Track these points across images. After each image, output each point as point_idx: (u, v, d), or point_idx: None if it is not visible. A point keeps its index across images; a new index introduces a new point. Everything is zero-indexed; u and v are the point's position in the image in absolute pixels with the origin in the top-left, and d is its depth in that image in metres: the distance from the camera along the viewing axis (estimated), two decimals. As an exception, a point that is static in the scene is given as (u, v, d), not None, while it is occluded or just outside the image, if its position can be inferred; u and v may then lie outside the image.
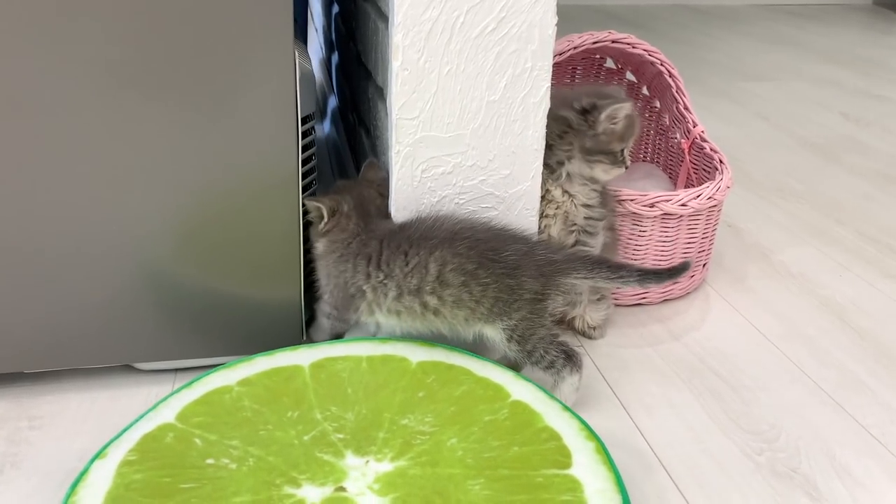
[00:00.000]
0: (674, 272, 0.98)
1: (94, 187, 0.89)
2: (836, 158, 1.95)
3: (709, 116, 2.25)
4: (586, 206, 1.07)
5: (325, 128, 2.04)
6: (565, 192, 1.07)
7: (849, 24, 3.87)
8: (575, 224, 1.08)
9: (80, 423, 0.93)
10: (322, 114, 2.17)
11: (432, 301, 0.92)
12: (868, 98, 2.52)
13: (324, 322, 1.02)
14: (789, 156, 1.96)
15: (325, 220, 0.98)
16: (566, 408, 0.86)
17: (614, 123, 1.05)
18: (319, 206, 0.97)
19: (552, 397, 0.87)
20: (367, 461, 0.77)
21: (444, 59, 0.91)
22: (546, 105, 0.96)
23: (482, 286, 0.92)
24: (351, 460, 0.77)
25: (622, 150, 1.06)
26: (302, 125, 0.97)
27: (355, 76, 1.36)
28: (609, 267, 0.96)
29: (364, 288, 0.95)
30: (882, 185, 1.78)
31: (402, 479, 0.75)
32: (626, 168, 1.07)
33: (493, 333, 0.94)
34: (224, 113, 0.89)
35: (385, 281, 0.94)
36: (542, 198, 1.06)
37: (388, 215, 1.01)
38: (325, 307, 1.01)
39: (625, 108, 1.04)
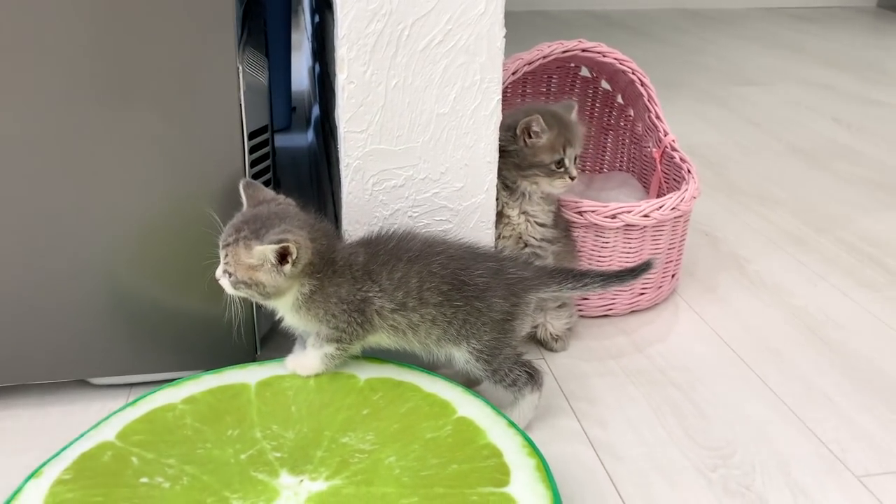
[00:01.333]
0: (636, 272, 0.96)
1: (47, 202, 0.89)
2: (823, 165, 1.93)
3: (698, 122, 2.23)
4: (542, 225, 1.07)
5: (308, 136, 2.04)
6: (523, 212, 1.07)
7: (851, 27, 3.83)
8: (527, 245, 1.08)
9: (30, 439, 0.93)
10: (308, 122, 2.18)
11: (415, 317, 0.91)
12: (863, 103, 2.49)
13: (319, 360, 0.92)
14: (775, 162, 1.94)
15: (294, 256, 0.85)
16: (511, 423, 0.85)
17: (533, 136, 1.05)
18: (286, 246, 0.84)
19: (499, 413, 0.86)
20: (302, 480, 0.77)
21: (391, 71, 0.91)
22: (497, 118, 0.96)
23: (454, 308, 0.91)
24: (285, 479, 0.77)
25: (559, 161, 1.06)
26: (252, 139, 0.97)
27: (327, 86, 1.35)
28: (574, 276, 0.95)
29: (369, 295, 0.89)
30: (869, 192, 1.76)
31: (334, 499, 0.74)
32: (572, 179, 1.07)
33: (460, 354, 0.93)
34: (170, 127, 0.89)
35: (379, 293, 0.90)
36: (499, 218, 1.05)
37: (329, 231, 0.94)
38: (325, 345, 0.91)
39: (533, 122, 1.04)
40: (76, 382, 1.01)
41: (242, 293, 0.87)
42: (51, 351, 0.96)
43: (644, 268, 0.96)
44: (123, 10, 0.83)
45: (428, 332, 0.91)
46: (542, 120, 1.05)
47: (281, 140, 2.03)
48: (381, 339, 0.93)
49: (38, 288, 0.93)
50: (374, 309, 0.90)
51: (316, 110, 2.03)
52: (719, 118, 2.28)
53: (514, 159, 1.06)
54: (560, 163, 1.06)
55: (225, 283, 0.87)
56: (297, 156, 1.93)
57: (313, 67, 2.06)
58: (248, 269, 0.85)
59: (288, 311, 0.90)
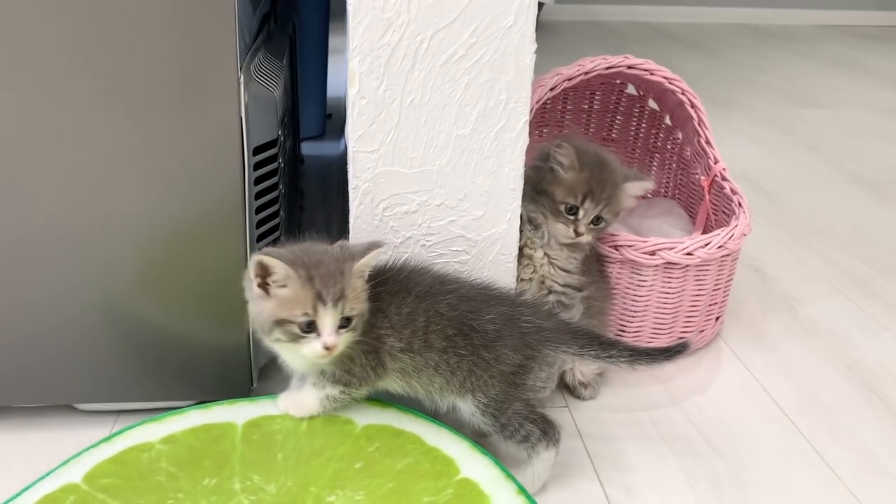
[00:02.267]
0: (670, 353, 0.86)
1: (36, 223, 0.83)
2: (889, 197, 1.78)
3: (753, 146, 2.10)
4: (565, 270, 0.97)
5: (341, 145, 1.97)
6: (546, 254, 0.97)
7: (921, 48, 3.62)
8: (551, 292, 0.98)
9: (4, 467, 0.86)
10: (342, 130, 2.11)
11: (419, 361, 0.81)
12: (934, 130, 2.32)
13: (317, 402, 0.83)
14: (835, 192, 1.80)
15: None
16: (522, 490, 0.75)
17: (556, 166, 0.96)
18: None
19: (508, 476, 0.77)
20: (277, 546, 0.68)
21: (407, 87, 0.82)
22: (524, 140, 0.86)
23: (458, 357, 0.81)
24: (259, 544, 0.68)
25: (570, 207, 0.95)
26: (257, 154, 0.89)
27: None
28: (600, 343, 0.85)
29: (381, 332, 0.81)
30: (939, 229, 1.61)
31: (309, 574, 0.65)
32: (578, 234, 0.95)
33: (465, 406, 0.84)
34: (167, 142, 0.82)
35: (389, 328, 0.81)
36: (520, 259, 0.95)
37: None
38: (328, 386, 0.82)
39: (562, 151, 0.95)
40: (61, 407, 0.95)
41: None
42: (35, 373, 0.90)
43: (679, 350, 0.86)
44: (113, 17, 0.76)
45: (431, 380, 0.82)
46: (574, 154, 0.95)
47: (314, 148, 1.96)
48: (390, 384, 0.84)
49: (25, 308, 0.87)
50: (385, 349, 0.81)
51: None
52: (775, 142, 2.14)
53: (537, 183, 0.96)
54: (572, 209, 0.95)
55: (340, 338, 0.76)
56: (329, 164, 1.86)
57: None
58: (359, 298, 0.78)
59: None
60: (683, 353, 0.86)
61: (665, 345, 0.96)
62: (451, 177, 0.86)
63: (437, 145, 0.85)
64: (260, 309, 0.77)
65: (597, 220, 0.96)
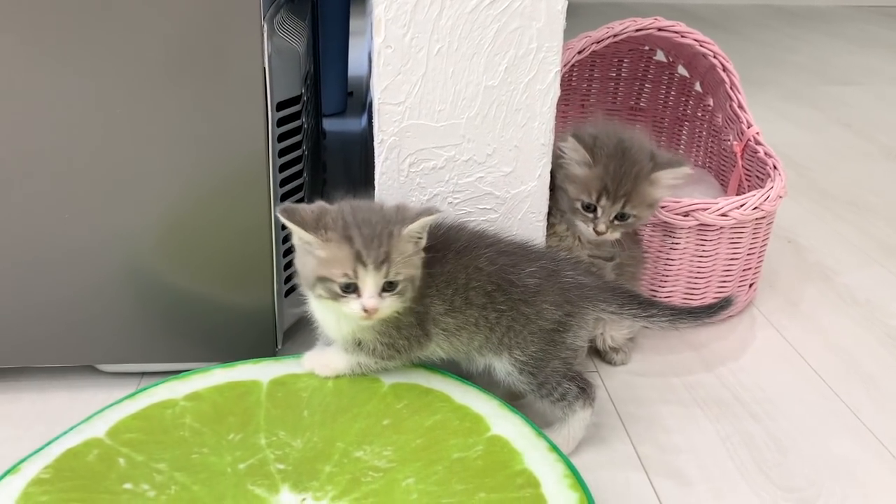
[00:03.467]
0: (713, 310, 0.84)
1: (62, 183, 0.82)
2: (924, 171, 1.73)
3: (782, 121, 2.05)
4: (591, 243, 0.93)
5: (362, 121, 1.96)
6: (569, 228, 0.93)
7: (954, 28, 3.54)
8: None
9: (26, 427, 0.85)
10: (363, 107, 2.09)
11: (460, 319, 0.79)
12: (969, 106, 2.26)
13: (345, 364, 0.80)
14: (869, 166, 1.75)
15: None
16: (554, 447, 0.73)
17: (569, 158, 0.89)
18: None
19: (540, 434, 0.74)
20: (304, 499, 0.66)
21: (434, 35, 0.79)
22: (555, 92, 0.83)
23: (498, 312, 0.79)
24: (285, 496, 0.66)
25: (587, 205, 0.88)
26: (281, 110, 0.87)
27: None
28: (640, 303, 0.83)
29: (429, 299, 0.78)
30: (977, 202, 1.56)
31: (337, 525, 0.64)
32: (598, 234, 0.89)
33: (501, 365, 0.82)
34: (190, 98, 0.80)
35: (434, 295, 0.78)
36: (547, 230, 0.92)
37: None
38: (362, 354, 0.79)
39: (568, 143, 0.87)
40: (84, 368, 0.94)
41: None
42: (59, 334, 0.89)
43: (724, 305, 0.84)
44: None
45: (471, 338, 0.79)
46: (581, 147, 0.87)
47: (335, 124, 1.95)
48: (432, 351, 0.81)
49: (48, 266, 0.85)
50: (431, 315, 0.78)
51: (371, 94, 1.93)
52: (806, 118, 2.10)
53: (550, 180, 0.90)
54: (589, 207, 0.89)
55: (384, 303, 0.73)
56: (350, 140, 1.84)
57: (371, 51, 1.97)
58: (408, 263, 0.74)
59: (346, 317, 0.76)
60: (728, 308, 0.84)
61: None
62: (480, 130, 0.84)
63: (465, 97, 0.82)
64: (303, 262, 0.75)
65: (621, 216, 0.89)
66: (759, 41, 3.06)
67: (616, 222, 0.89)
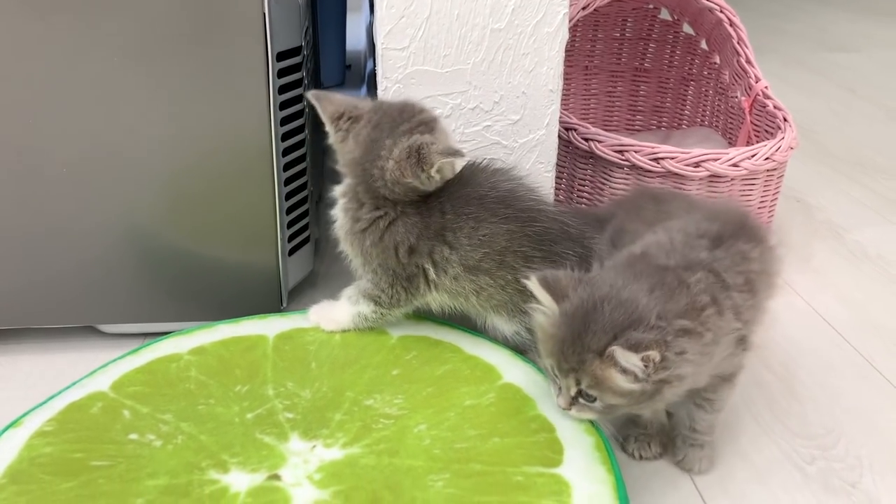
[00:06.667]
0: None
1: (63, 142, 0.80)
2: (930, 132, 1.71)
3: (785, 86, 2.02)
4: None
5: (361, 92, 1.94)
6: None
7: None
8: None
9: (28, 387, 0.84)
10: (361, 80, 2.07)
11: (484, 280, 0.76)
12: (973, 71, 2.23)
13: (349, 317, 0.80)
14: (874, 128, 1.73)
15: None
16: (568, 395, 0.71)
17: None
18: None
19: (553, 382, 0.73)
20: (314, 446, 0.65)
21: (439, -24, 0.77)
22: (564, 36, 0.81)
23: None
24: (295, 444, 0.65)
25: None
26: (281, 60, 0.85)
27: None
28: None
29: (425, 266, 0.77)
30: (985, 161, 1.54)
31: (349, 470, 0.62)
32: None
33: (507, 327, 0.79)
34: (192, 54, 0.78)
35: (449, 255, 0.76)
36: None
37: None
38: (361, 301, 0.79)
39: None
40: (84, 329, 0.92)
41: None
42: (59, 293, 0.87)
43: None
44: None
45: (490, 298, 0.77)
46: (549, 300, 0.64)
47: (333, 96, 1.92)
48: (435, 301, 0.80)
49: (49, 226, 0.84)
50: (427, 281, 0.77)
51: (370, 65, 1.92)
52: (809, 83, 2.07)
53: None
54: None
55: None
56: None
57: (371, 23, 1.95)
58: None
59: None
60: None
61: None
62: (486, 76, 0.82)
63: (470, 41, 0.80)
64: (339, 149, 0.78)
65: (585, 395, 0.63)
66: (758, 10, 3.03)
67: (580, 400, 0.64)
